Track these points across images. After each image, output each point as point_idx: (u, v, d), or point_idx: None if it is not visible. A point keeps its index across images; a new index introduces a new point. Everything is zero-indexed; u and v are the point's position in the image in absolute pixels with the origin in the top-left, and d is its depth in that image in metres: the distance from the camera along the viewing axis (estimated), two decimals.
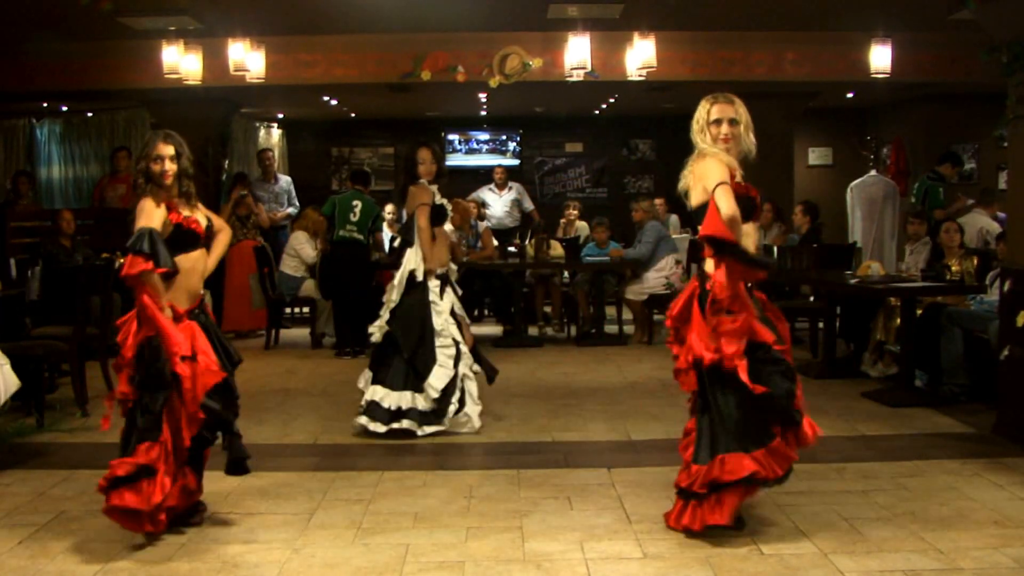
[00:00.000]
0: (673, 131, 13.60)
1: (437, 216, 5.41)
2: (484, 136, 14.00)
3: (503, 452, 4.96)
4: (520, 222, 10.99)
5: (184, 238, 3.71)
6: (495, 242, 9.34)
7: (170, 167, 3.67)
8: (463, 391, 5.29)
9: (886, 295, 6.44)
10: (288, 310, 9.38)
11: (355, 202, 8.13)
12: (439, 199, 5.43)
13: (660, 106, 12.06)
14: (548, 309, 9.52)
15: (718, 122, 3.68)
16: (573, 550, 3.54)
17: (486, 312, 10.36)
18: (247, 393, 6.15)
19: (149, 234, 3.55)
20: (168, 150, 3.68)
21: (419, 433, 5.16)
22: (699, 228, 3.65)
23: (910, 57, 8.07)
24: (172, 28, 7.36)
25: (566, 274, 9.37)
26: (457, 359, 5.27)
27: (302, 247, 8.66)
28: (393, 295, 5.28)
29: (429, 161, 5.42)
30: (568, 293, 9.22)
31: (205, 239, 3.82)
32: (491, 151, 14.01)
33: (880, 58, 7.78)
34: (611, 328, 9.03)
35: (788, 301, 7.84)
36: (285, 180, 10.60)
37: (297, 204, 10.20)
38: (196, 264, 3.77)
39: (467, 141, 13.91)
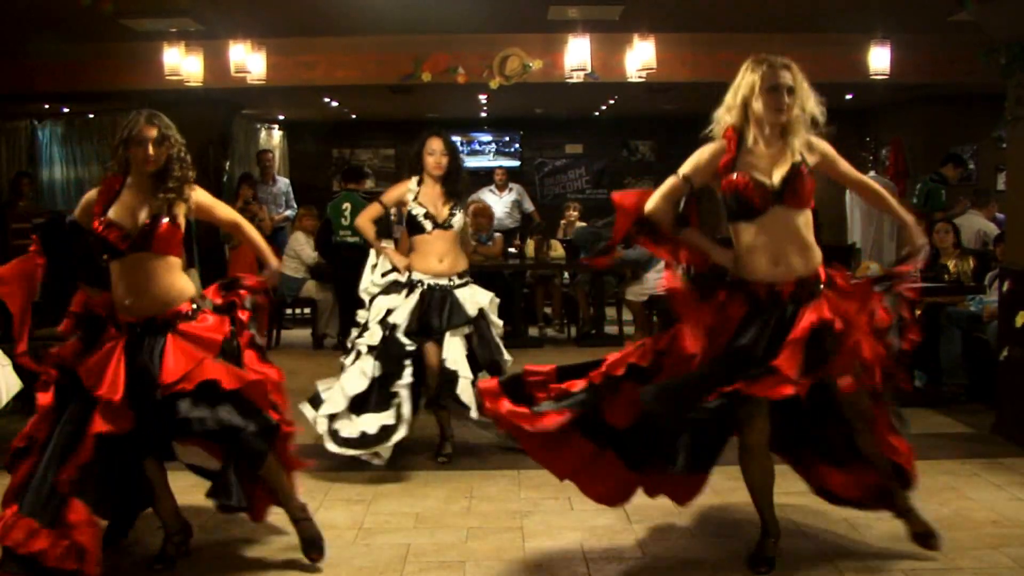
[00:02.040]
0: (673, 132, 13.72)
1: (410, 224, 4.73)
2: (485, 137, 14.04)
3: (504, 452, 4.96)
4: (520, 223, 11.01)
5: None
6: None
7: (154, 152, 3.23)
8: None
9: None
10: (289, 311, 9.40)
11: (344, 205, 8.14)
12: (414, 205, 4.67)
13: (660, 107, 12.07)
14: (548, 310, 9.53)
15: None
16: (573, 550, 3.55)
17: None
18: None
19: None
20: (152, 132, 3.24)
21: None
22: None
23: (909, 58, 8.06)
24: (173, 30, 7.37)
25: (566, 275, 9.38)
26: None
27: (302, 248, 8.67)
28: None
29: (439, 152, 4.68)
30: (568, 294, 9.23)
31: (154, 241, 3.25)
32: (491, 152, 14.04)
33: (879, 59, 7.79)
34: (611, 329, 9.03)
35: None
36: (283, 182, 10.61)
37: (295, 206, 10.19)
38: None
39: (468, 142, 13.94)
